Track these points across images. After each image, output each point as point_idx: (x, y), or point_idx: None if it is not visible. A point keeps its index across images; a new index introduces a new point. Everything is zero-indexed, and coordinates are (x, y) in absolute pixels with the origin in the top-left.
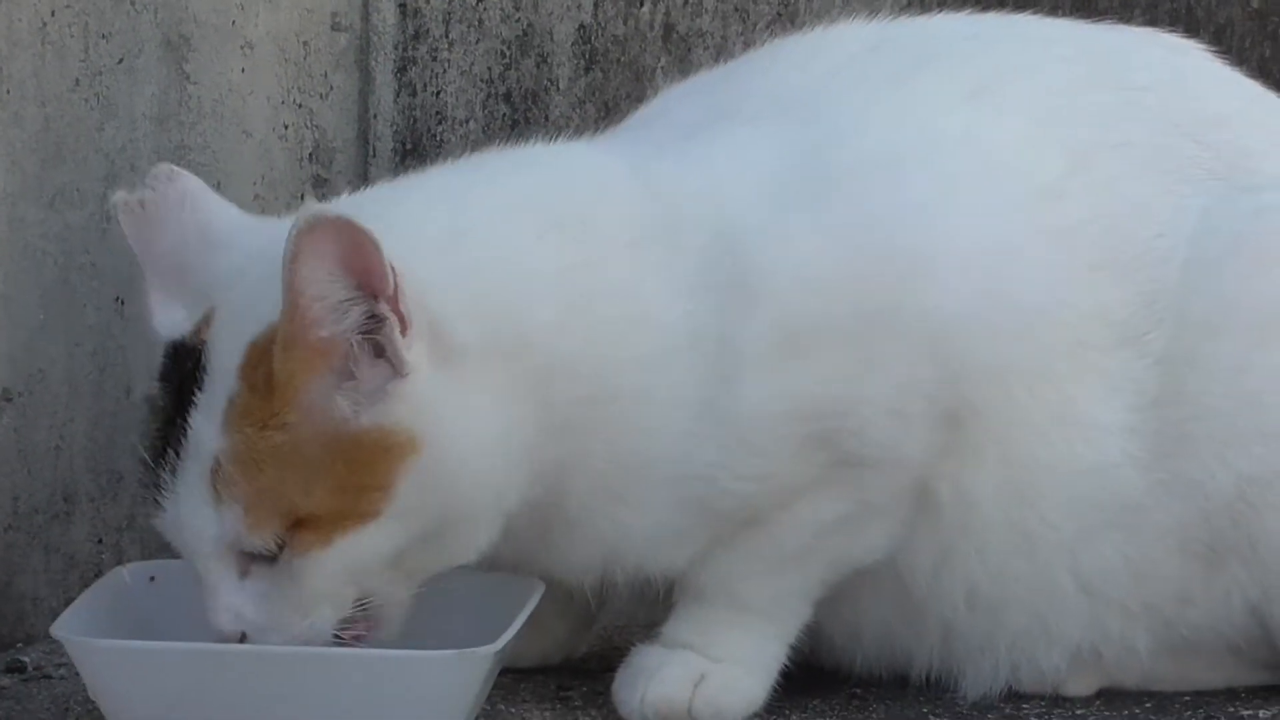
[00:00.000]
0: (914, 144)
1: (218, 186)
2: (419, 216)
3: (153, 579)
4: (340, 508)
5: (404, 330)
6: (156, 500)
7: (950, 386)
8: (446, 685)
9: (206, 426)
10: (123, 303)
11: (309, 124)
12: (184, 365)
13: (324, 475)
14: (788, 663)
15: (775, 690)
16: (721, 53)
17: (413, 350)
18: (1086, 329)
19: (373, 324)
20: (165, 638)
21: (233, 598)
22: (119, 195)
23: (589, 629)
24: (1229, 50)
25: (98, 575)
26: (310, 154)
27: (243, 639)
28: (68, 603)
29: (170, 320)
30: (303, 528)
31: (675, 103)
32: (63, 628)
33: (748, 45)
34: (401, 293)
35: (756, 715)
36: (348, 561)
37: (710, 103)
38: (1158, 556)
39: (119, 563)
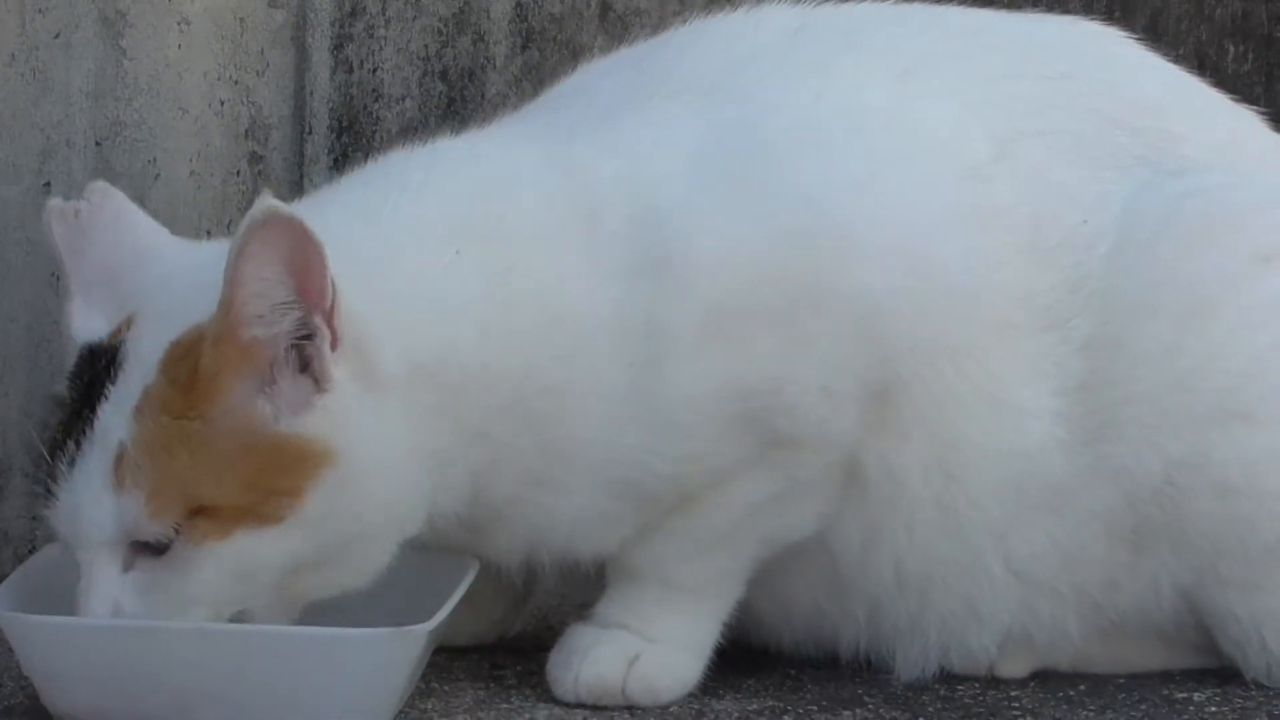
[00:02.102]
0: (840, 123)
1: (153, 163)
2: (346, 239)
3: None
4: (245, 504)
5: (334, 346)
6: (49, 490)
7: (878, 364)
8: (380, 663)
9: (115, 416)
10: (58, 278)
11: (245, 100)
12: (96, 364)
13: (235, 469)
14: (722, 641)
15: (709, 670)
16: (658, 32)
17: (339, 367)
18: (1012, 312)
19: (304, 334)
20: None
21: (112, 588)
22: (54, 202)
23: (523, 608)
24: (1165, 33)
25: (31, 551)
26: (246, 130)
27: None
28: (1, 578)
29: (89, 327)
30: (202, 516)
31: (595, 80)
32: None
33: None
34: (337, 308)
35: (691, 695)
36: (241, 560)
37: (630, 81)
38: (1086, 540)
39: (52, 539)
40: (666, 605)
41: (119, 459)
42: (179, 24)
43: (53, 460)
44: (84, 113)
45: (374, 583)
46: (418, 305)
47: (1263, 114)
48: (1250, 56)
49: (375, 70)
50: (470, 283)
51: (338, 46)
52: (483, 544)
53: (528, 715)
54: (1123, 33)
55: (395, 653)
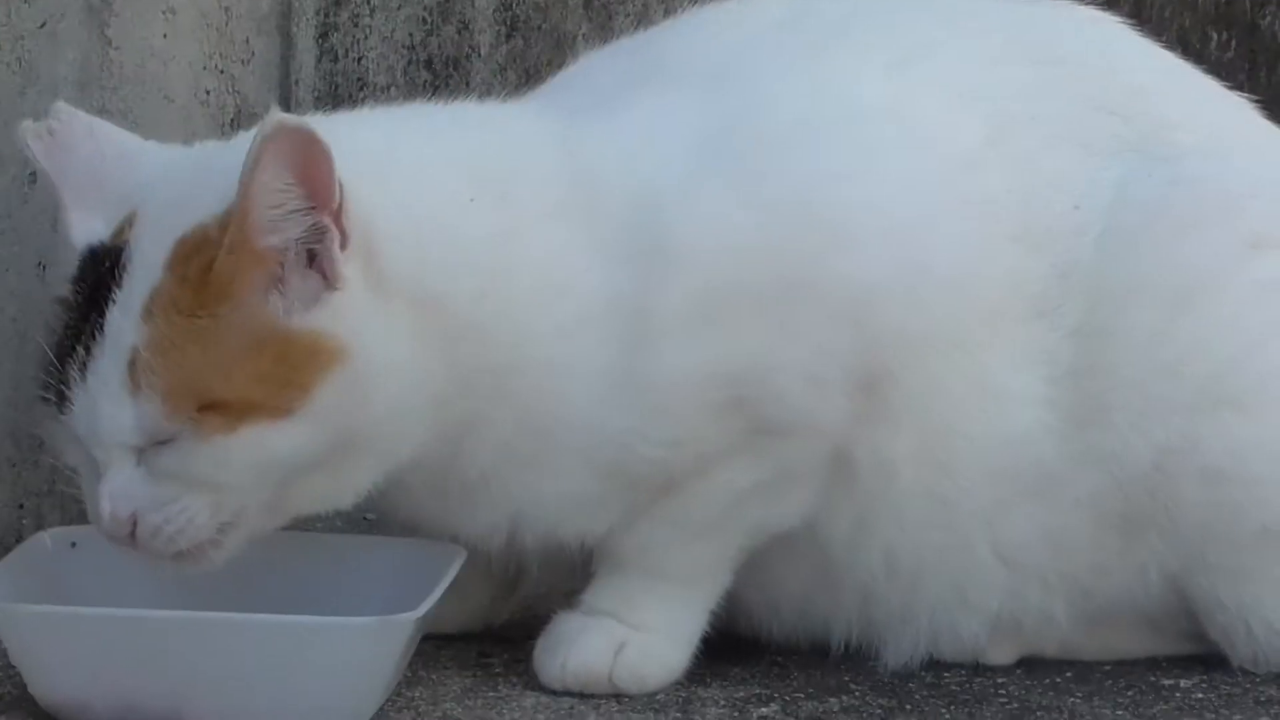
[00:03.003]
0: (833, 112)
1: None
2: (363, 145)
3: (74, 545)
4: (255, 398)
5: (344, 245)
6: (63, 396)
7: (867, 353)
8: (368, 651)
9: (125, 319)
10: (44, 268)
11: (231, 89)
12: (100, 266)
13: (247, 363)
14: (709, 630)
15: (696, 658)
16: (643, 20)
17: (349, 266)
18: (1002, 299)
19: (314, 234)
20: (87, 603)
21: (126, 482)
22: (26, 124)
23: (510, 596)
24: (1149, 20)
25: (19, 541)
26: (232, 119)
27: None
28: None
29: (88, 230)
30: (213, 410)
31: (595, 68)
32: None
33: (669, 13)
34: (346, 209)
35: (678, 683)
36: (249, 453)
37: (630, 68)
38: (1075, 527)
39: (40, 528)
40: (653, 594)
41: (132, 363)
42: (164, 13)
43: (62, 366)
44: (70, 102)
45: (357, 502)
46: (429, 233)
47: (1249, 101)
48: (1233, 44)
49: (360, 59)
50: (477, 234)
51: (323, 35)
52: (464, 522)
53: (515, 703)
54: (1115, 18)
55: (382, 641)
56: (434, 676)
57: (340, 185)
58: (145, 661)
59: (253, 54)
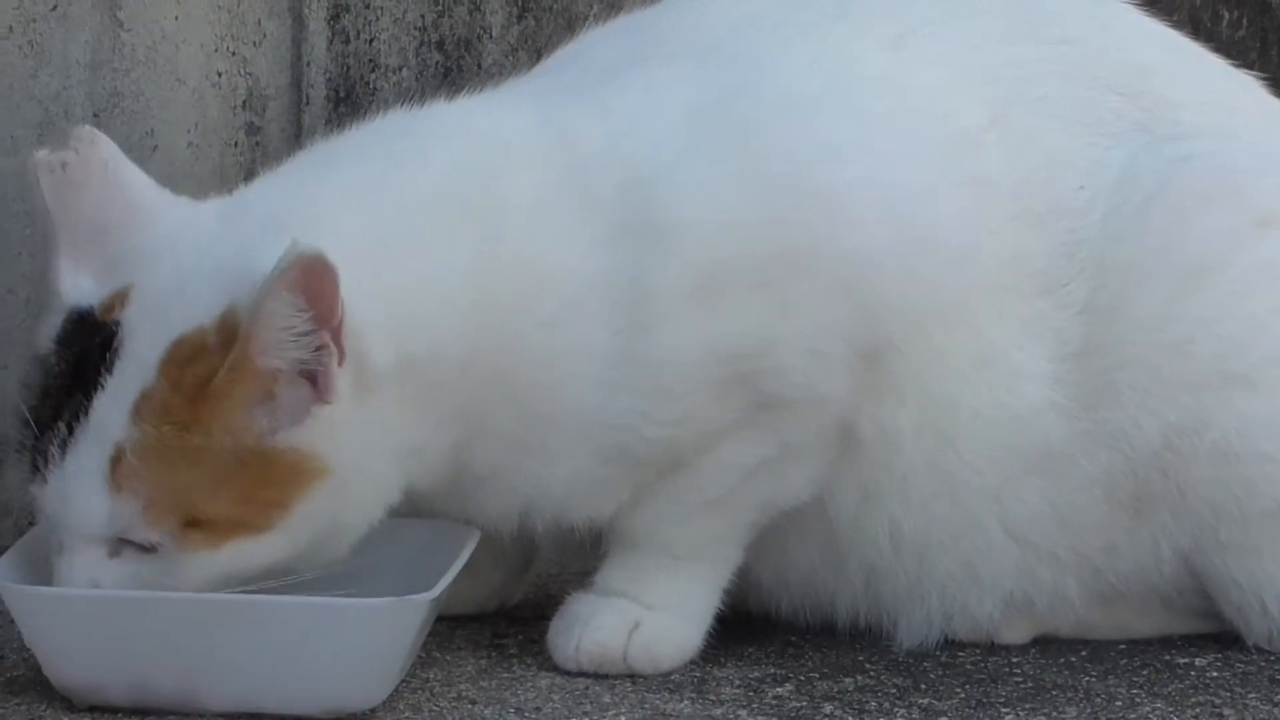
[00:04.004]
0: (830, 87)
1: (151, 134)
2: (344, 226)
3: None
4: (238, 516)
5: (340, 361)
6: (37, 469)
7: (868, 326)
8: (382, 632)
9: (113, 413)
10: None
11: (242, 71)
12: (88, 337)
13: (231, 483)
14: (723, 609)
15: (711, 637)
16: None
17: (342, 379)
18: (1005, 276)
19: (314, 355)
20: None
21: (94, 571)
22: (40, 154)
23: (524, 577)
24: None
25: (33, 523)
26: (244, 102)
27: None
28: (3, 550)
29: (77, 286)
30: (196, 527)
31: (593, 45)
32: None
33: None
34: (344, 325)
35: (692, 662)
36: (231, 567)
37: (628, 46)
38: (1085, 505)
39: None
40: (666, 572)
41: (116, 460)
42: None
43: (40, 435)
44: (82, 84)
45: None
46: (410, 298)
47: (1257, 80)
48: (1244, 22)
49: (372, 40)
50: (460, 262)
51: (334, 17)
52: (474, 510)
53: (529, 684)
54: None
55: (397, 622)
56: (448, 657)
57: (343, 302)
58: (159, 643)
59: (264, 36)
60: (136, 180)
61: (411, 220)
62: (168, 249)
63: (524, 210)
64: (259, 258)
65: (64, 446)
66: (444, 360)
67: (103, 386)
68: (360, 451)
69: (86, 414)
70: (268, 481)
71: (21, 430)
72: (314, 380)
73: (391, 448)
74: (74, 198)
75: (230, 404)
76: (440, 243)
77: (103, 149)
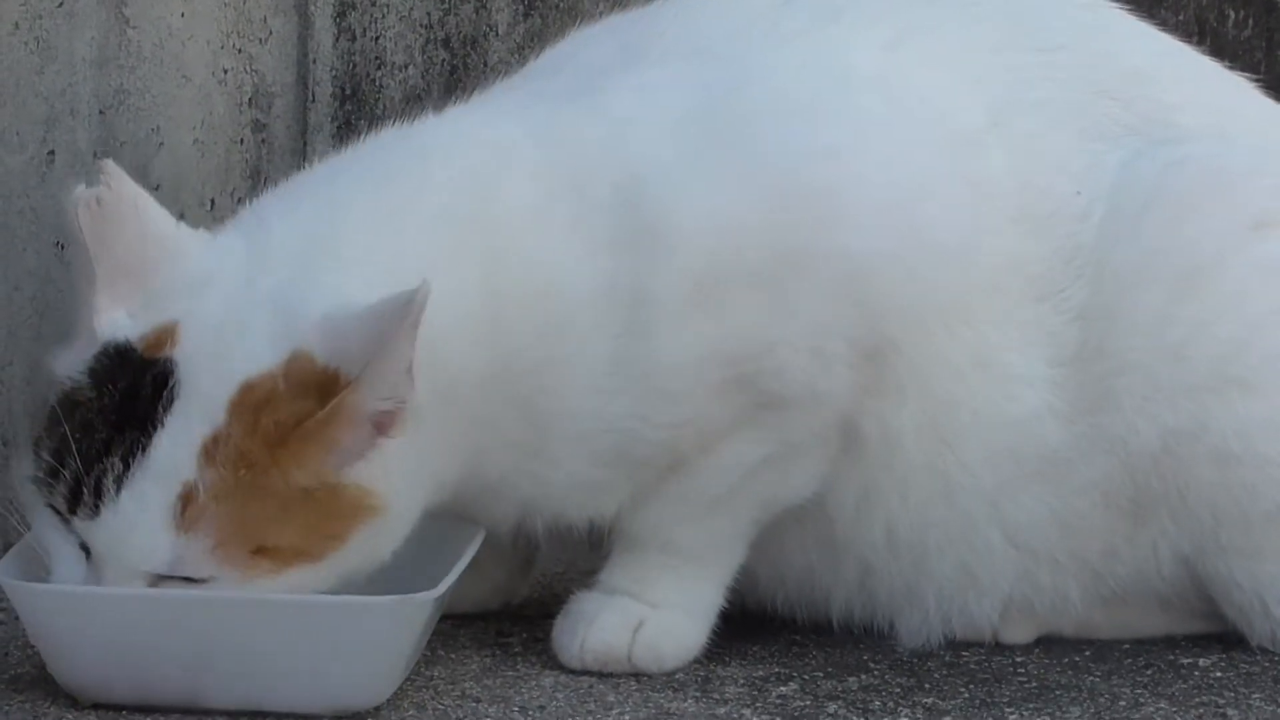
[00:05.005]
0: (827, 86)
1: (157, 131)
2: (374, 258)
3: None
4: (299, 547)
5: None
6: (84, 502)
7: (868, 325)
8: (386, 631)
9: (179, 453)
10: (62, 247)
11: (248, 69)
12: (133, 374)
13: (298, 517)
14: (728, 607)
15: (715, 636)
16: None
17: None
18: (1003, 278)
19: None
20: None
21: None
22: (80, 189)
23: (527, 575)
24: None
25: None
26: (250, 99)
27: None
28: (7, 547)
29: (113, 321)
30: (262, 555)
31: (584, 46)
32: (3, 572)
33: None
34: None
35: (696, 661)
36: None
37: (620, 47)
38: (1084, 510)
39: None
40: (669, 571)
41: (185, 500)
42: None
43: (87, 468)
44: (88, 81)
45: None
46: (434, 323)
47: (1262, 81)
48: (1250, 22)
49: (378, 38)
50: (470, 280)
51: (340, 14)
52: (476, 510)
53: (534, 683)
54: (1116, 1)
55: (401, 620)
56: (452, 656)
57: None
58: (163, 641)
59: (270, 33)
60: (160, 215)
61: (423, 245)
62: (207, 286)
63: (524, 218)
64: (305, 297)
65: (119, 482)
66: (465, 381)
67: (163, 425)
68: (405, 483)
69: (145, 451)
70: (330, 515)
71: (56, 459)
72: (378, 423)
73: (426, 476)
74: (111, 234)
75: (316, 449)
76: (450, 264)
77: (128, 184)
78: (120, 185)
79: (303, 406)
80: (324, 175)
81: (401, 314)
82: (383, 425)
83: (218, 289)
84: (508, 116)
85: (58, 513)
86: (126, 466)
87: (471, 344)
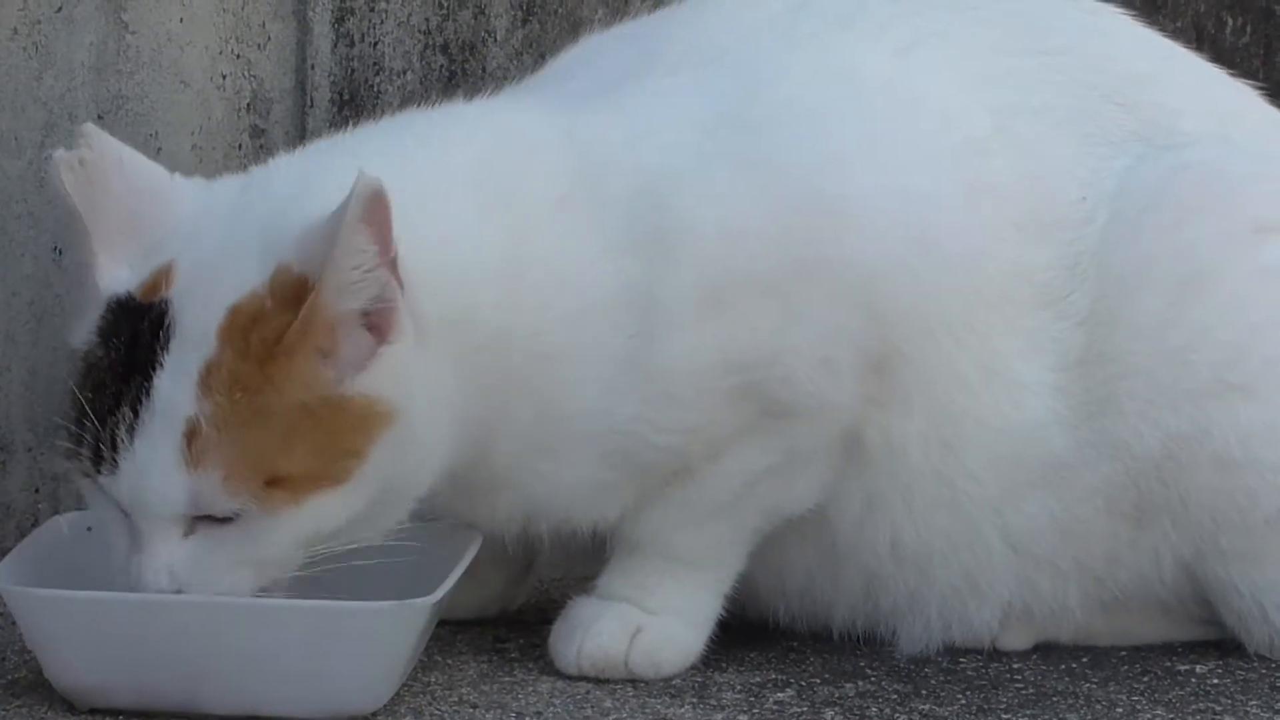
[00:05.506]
0: (837, 95)
1: (155, 136)
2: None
3: (90, 529)
4: (316, 470)
5: (401, 288)
6: (100, 457)
7: (878, 334)
8: (384, 636)
9: (178, 389)
10: (60, 252)
11: (247, 74)
12: (134, 322)
13: (306, 437)
14: (725, 614)
15: (712, 643)
16: (659, 6)
17: (402, 318)
18: (1010, 286)
19: (379, 293)
20: (102, 587)
21: (171, 556)
22: (58, 153)
23: (526, 581)
24: (1164, 6)
25: (35, 525)
26: (248, 104)
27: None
28: (4, 552)
29: (116, 278)
30: (276, 486)
31: (598, 53)
32: (0, 578)
33: None
34: (400, 259)
35: (693, 667)
36: (312, 525)
37: (634, 53)
38: (1086, 516)
39: (56, 512)
40: (668, 577)
41: (190, 435)
42: None
43: (102, 424)
44: (86, 86)
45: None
46: (448, 259)
47: (1261, 87)
48: (1249, 29)
49: (376, 44)
50: (492, 241)
51: (339, 20)
52: (480, 512)
53: (531, 688)
54: (1118, 7)
55: (399, 626)
56: (450, 661)
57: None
58: (160, 646)
59: (269, 39)
60: (150, 168)
61: (446, 192)
62: (201, 225)
63: (547, 210)
64: (296, 218)
65: (132, 431)
66: (479, 325)
67: (162, 365)
68: (422, 395)
69: (149, 395)
70: (341, 430)
71: (78, 425)
72: (374, 329)
73: (446, 401)
74: (99, 192)
75: (301, 358)
76: (474, 217)
77: (111, 143)
78: (102, 144)
79: (287, 320)
80: (338, 138)
81: (348, 208)
82: (378, 330)
83: (211, 226)
84: (529, 112)
85: (89, 478)
86: (136, 414)
87: (488, 297)
